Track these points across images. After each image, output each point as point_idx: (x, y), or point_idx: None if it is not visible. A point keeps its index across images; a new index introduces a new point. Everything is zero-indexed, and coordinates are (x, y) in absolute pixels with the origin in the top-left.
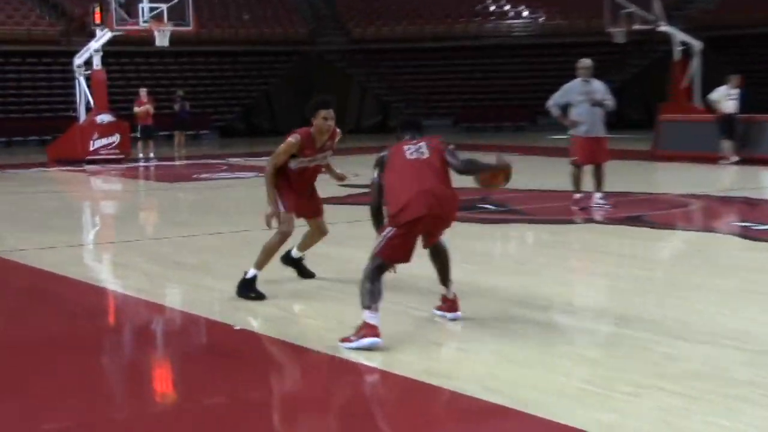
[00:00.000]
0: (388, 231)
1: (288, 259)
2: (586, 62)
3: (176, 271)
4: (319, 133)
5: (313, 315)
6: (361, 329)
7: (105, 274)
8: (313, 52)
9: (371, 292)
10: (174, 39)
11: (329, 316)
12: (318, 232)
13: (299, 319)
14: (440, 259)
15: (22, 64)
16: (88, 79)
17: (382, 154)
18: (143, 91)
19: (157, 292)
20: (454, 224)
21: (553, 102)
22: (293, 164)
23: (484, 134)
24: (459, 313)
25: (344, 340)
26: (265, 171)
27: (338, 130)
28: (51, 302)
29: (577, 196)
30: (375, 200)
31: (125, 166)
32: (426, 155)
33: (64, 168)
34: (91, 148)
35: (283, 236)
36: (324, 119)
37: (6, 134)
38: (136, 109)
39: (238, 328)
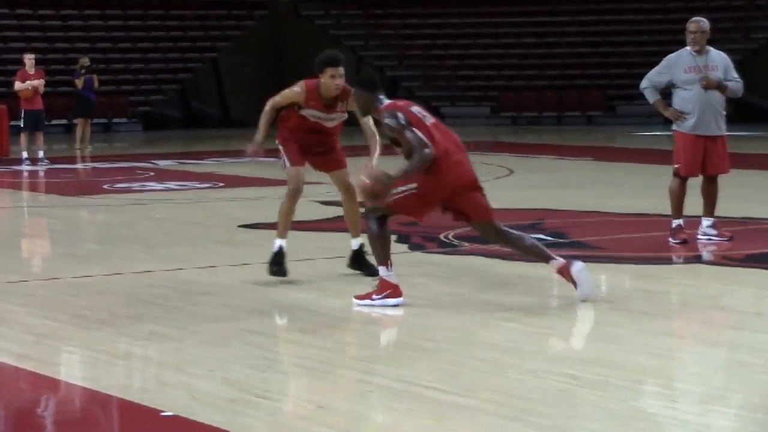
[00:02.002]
0: (411, 187)
1: (354, 261)
2: (700, 24)
3: (76, 329)
4: (327, 91)
5: (272, 394)
6: (382, 289)
7: None
8: (284, 4)
9: (384, 248)
10: None
11: (296, 394)
12: (342, 189)
13: (253, 400)
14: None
15: None
16: None
17: (393, 119)
18: (29, 59)
19: (47, 360)
20: (493, 264)
21: (649, 82)
22: (304, 113)
23: (537, 129)
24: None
25: (363, 296)
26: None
27: (353, 89)
28: None
29: (677, 222)
30: (418, 169)
31: (0, 170)
32: (432, 119)
33: None
34: None
35: (291, 194)
36: (332, 77)
37: None
38: (19, 86)
39: (167, 414)
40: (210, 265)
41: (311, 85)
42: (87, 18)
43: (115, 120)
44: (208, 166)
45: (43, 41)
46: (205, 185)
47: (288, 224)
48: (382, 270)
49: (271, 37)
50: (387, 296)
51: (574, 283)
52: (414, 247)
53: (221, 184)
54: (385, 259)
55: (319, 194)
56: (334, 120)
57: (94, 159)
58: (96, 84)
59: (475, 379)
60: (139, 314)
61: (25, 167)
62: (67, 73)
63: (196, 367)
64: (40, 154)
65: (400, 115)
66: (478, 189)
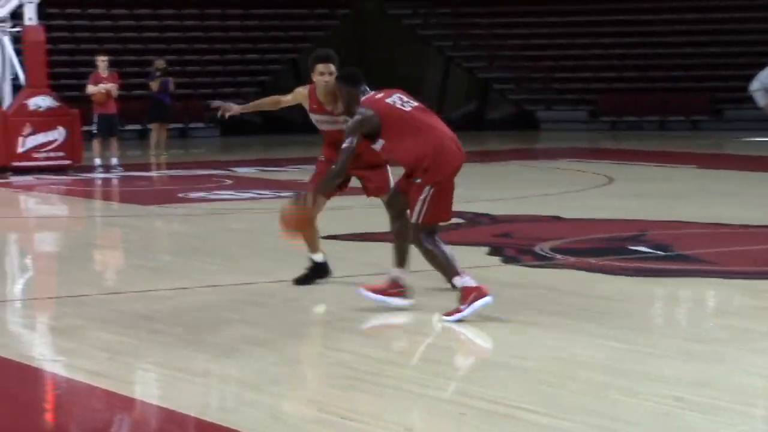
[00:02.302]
0: (426, 192)
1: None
2: None
3: (151, 345)
4: (320, 91)
5: (357, 415)
6: (466, 296)
7: (39, 347)
8: (368, 2)
9: (447, 261)
10: None
11: (382, 416)
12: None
13: (337, 422)
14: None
15: None
16: (16, 40)
17: (362, 116)
18: (102, 60)
19: (122, 377)
20: (592, 279)
21: (760, 84)
22: (314, 121)
23: (638, 134)
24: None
25: (450, 313)
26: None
27: (335, 84)
28: None
29: None
30: (342, 166)
31: (73, 177)
32: (416, 103)
33: None
34: (21, 150)
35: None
36: (321, 74)
37: None
38: (92, 89)
39: None
40: (290, 278)
41: (312, 88)
42: (162, 18)
43: (192, 125)
44: (290, 173)
45: (116, 42)
46: (286, 194)
47: (316, 240)
48: (457, 280)
49: (354, 38)
50: (473, 300)
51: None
52: (508, 260)
53: (303, 193)
54: (454, 270)
55: None
56: (336, 125)
57: (169, 166)
58: (172, 87)
59: (575, 401)
60: (217, 330)
61: (98, 175)
62: (141, 76)
63: (277, 386)
64: (114, 161)
65: (363, 113)
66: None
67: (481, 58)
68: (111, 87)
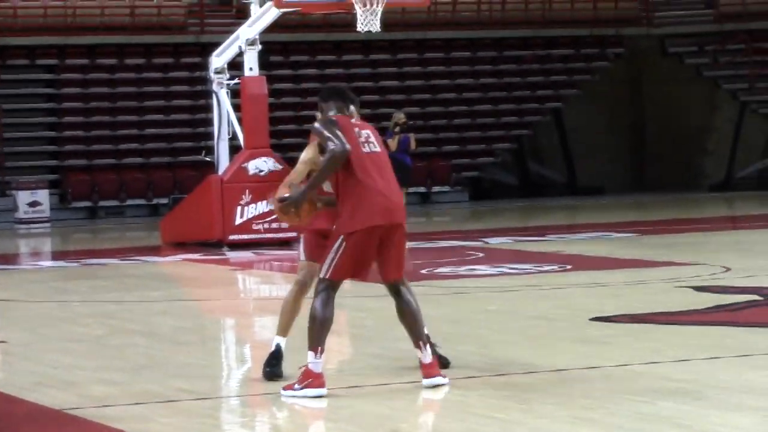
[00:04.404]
0: (339, 243)
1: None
2: None
3: None
4: None
5: None
6: (305, 378)
7: None
8: (645, 38)
9: (320, 331)
10: (387, 20)
11: None
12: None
13: None
14: (408, 314)
15: (117, 69)
16: (234, 94)
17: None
18: None
19: None
20: None
21: None
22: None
23: None
24: (439, 378)
25: (287, 387)
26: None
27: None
28: None
29: None
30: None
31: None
32: (378, 149)
33: (189, 256)
34: (238, 221)
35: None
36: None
37: (94, 194)
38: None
39: None
40: (557, 368)
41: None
42: (401, 63)
43: (436, 188)
44: (552, 244)
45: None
46: (549, 268)
47: (289, 323)
48: (309, 355)
49: (628, 82)
50: (308, 386)
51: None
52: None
53: (568, 267)
54: (316, 344)
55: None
56: None
57: (409, 237)
58: (412, 145)
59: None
60: (470, 430)
61: None
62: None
63: None
64: None
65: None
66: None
67: None
68: None
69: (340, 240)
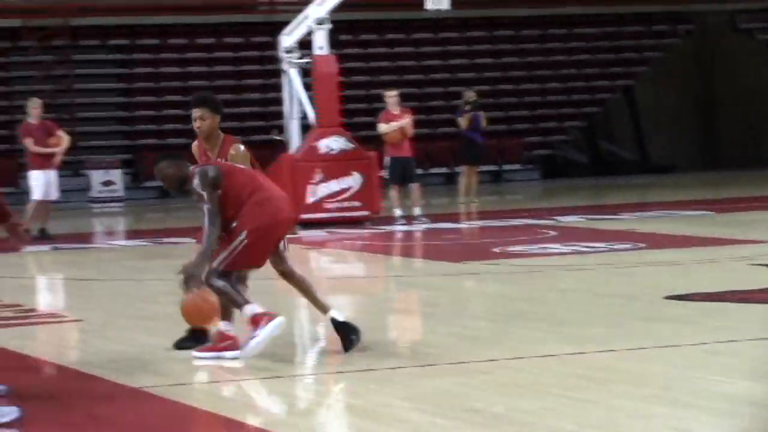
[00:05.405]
0: (240, 239)
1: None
2: None
3: (469, 427)
4: (202, 139)
5: None
6: (257, 322)
7: (338, 430)
8: (715, 14)
9: (237, 295)
10: None
11: None
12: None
13: None
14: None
15: (188, 49)
16: (305, 73)
17: (208, 169)
18: (392, 97)
19: None
20: None
21: None
22: None
23: None
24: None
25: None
26: None
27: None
28: None
29: None
30: (214, 232)
31: (370, 230)
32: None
33: None
34: (311, 200)
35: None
36: (194, 119)
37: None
38: (384, 128)
39: None
40: (631, 347)
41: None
42: (471, 41)
43: (507, 167)
44: (625, 222)
45: (419, 72)
46: (622, 246)
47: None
48: (246, 309)
49: (699, 58)
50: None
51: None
52: None
53: (642, 245)
54: (243, 300)
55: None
56: None
57: (481, 215)
58: (483, 123)
59: None
60: (546, 409)
61: (399, 227)
62: (447, 111)
63: None
64: (417, 210)
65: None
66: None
67: None
68: (403, 124)
69: (243, 234)
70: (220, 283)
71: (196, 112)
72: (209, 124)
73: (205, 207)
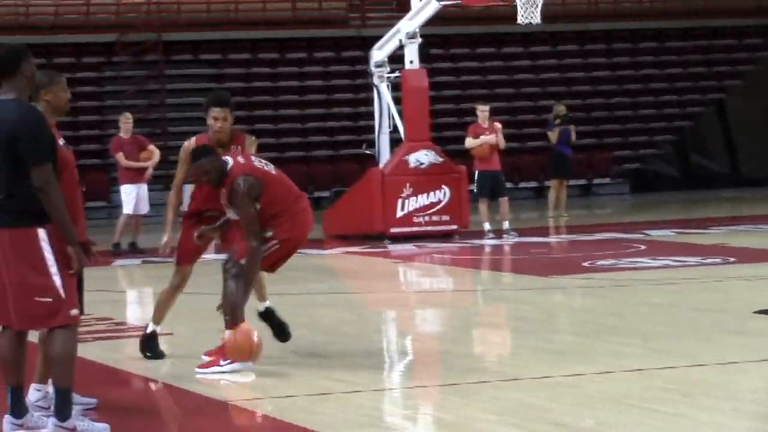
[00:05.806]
0: (272, 244)
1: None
2: None
3: None
4: (213, 137)
5: None
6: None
7: None
8: None
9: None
10: (547, 12)
11: None
12: None
13: None
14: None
15: (279, 63)
16: (395, 87)
17: (244, 181)
18: (483, 111)
19: None
20: None
21: None
22: None
23: None
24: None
25: (207, 365)
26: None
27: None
28: None
29: None
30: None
31: (459, 245)
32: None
33: (351, 249)
34: (399, 214)
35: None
36: (214, 119)
37: None
38: (471, 142)
39: None
40: (720, 361)
41: (202, 138)
42: (562, 55)
43: (597, 181)
44: (715, 236)
45: (509, 86)
46: (712, 261)
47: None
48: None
49: None
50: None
51: None
52: None
53: (732, 260)
54: (237, 323)
55: None
56: None
57: (570, 230)
58: (573, 137)
59: None
60: (633, 423)
61: (488, 241)
62: (538, 125)
63: None
64: (506, 224)
65: (249, 181)
66: None
67: None
68: (491, 139)
69: (274, 243)
70: (232, 285)
71: (219, 112)
72: (228, 124)
73: (247, 225)
